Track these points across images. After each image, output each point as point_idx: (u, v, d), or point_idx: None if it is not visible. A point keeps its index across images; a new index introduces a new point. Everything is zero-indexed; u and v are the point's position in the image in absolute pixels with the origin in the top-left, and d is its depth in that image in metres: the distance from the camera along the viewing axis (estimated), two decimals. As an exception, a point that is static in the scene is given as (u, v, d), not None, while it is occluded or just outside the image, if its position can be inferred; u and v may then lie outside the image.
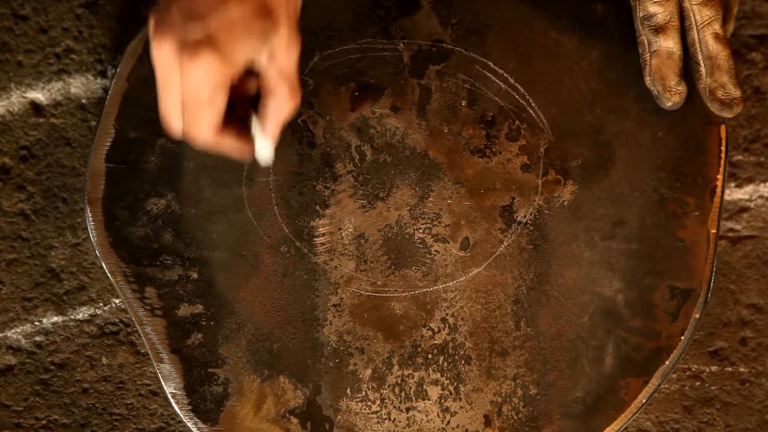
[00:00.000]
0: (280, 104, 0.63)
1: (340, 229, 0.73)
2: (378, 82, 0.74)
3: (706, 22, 0.69)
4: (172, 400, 0.72)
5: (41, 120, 0.78)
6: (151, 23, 0.60)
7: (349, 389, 0.72)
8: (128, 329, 0.77)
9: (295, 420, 0.72)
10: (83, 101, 0.78)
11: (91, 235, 0.73)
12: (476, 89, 0.73)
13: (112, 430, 0.77)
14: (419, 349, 0.72)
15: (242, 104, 0.64)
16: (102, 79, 0.78)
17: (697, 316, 0.71)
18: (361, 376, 0.72)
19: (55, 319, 0.77)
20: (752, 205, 0.78)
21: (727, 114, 0.70)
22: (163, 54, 0.59)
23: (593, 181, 0.73)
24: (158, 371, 0.72)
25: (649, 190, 0.72)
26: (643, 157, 0.73)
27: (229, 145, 0.64)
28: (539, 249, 0.73)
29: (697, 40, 0.70)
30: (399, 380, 0.72)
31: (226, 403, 0.72)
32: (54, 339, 0.77)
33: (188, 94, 0.60)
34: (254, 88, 0.65)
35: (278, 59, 0.61)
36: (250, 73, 0.63)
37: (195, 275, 0.73)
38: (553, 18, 0.74)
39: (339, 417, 0.72)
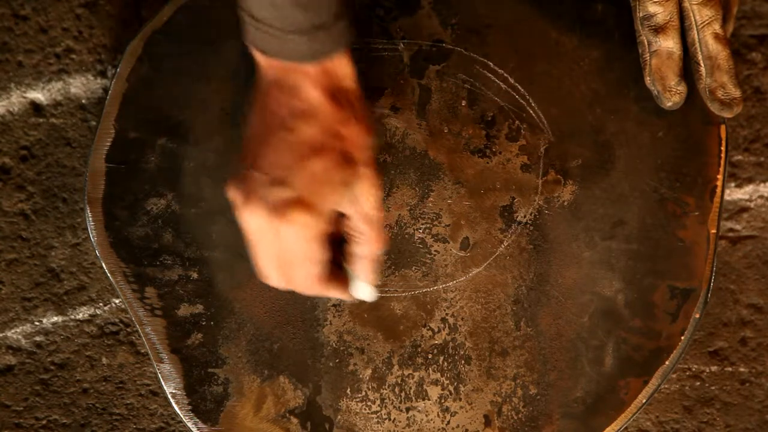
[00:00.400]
0: (368, 247, 0.65)
1: (340, 229, 0.73)
2: (378, 82, 0.74)
3: (706, 22, 0.69)
4: (172, 400, 0.72)
5: (41, 120, 0.78)
6: (232, 191, 0.61)
7: (349, 389, 0.72)
8: (128, 329, 0.77)
9: (295, 420, 0.72)
10: (83, 101, 0.78)
11: (91, 235, 0.73)
12: (476, 89, 0.73)
13: (112, 430, 0.77)
14: (419, 349, 0.72)
15: (333, 247, 0.65)
16: (102, 79, 0.78)
17: (697, 316, 0.71)
18: (361, 376, 0.72)
19: (55, 319, 0.77)
20: (752, 205, 0.78)
21: (727, 114, 0.70)
22: (254, 219, 0.61)
23: (593, 181, 0.73)
24: (158, 371, 0.72)
25: (649, 190, 0.72)
26: (643, 157, 0.73)
27: (333, 291, 0.66)
28: (539, 249, 0.73)
29: (697, 40, 0.70)
30: (399, 380, 0.72)
31: (226, 403, 0.72)
32: (54, 339, 0.77)
33: (287, 253, 0.62)
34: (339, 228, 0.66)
35: (361, 203, 0.63)
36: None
37: (195, 275, 0.73)
38: (553, 18, 0.74)
39: (339, 417, 0.72)
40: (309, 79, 0.60)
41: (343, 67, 0.61)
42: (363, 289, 0.66)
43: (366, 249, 0.65)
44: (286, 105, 0.60)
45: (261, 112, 0.62)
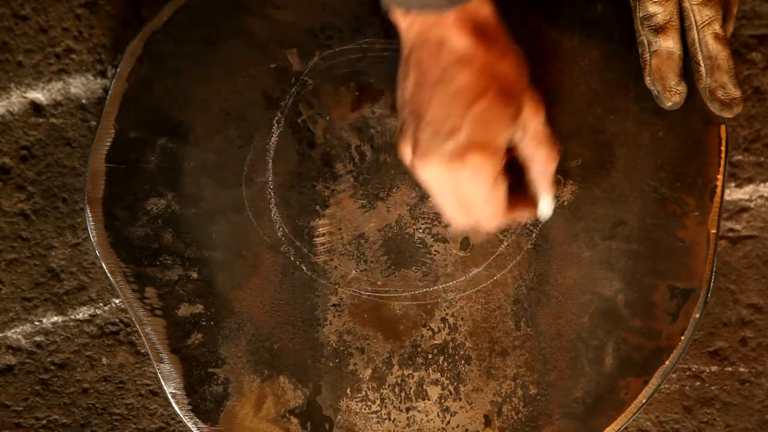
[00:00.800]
0: (546, 165, 0.66)
1: (340, 229, 0.73)
2: (378, 82, 0.74)
3: (706, 22, 0.69)
4: (172, 400, 0.72)
5: (41, 120, 0.78)
6: (406, 153, 0.64)
7: (349, 389, 0.72)
8: (128, 329, 0.77)
9: (295, 420, 0.72)
10: (83, 101, 0.78)
11: (91, 235, 0.73)
12: (476, 89, 0.73)
13: (112, 430, 0.77)
14: (419, 349, 0.72)
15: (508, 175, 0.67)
16: (102, 79, 0.78)
17: (697, 316, 0.71)
18: (361, 376, 0.72)
19: (55, 319, 0.77)
20: (752, 205, 0.78)
21: (727, 114, 0.70)
22: (434, 173, 0.63)
23: (593, 181, 0.73)
24: (158, 371, 0.72)
25: (649, 190, 0.72)
26: (643, 157, 0.73)
27: (518, 216, 0.68)
28: (539, 249, 0.73)
29: (697, 40, 0.70)
30: (399, 380, 0.72)
31: (226, 403, 0.72)
32: (54, 339, 0.77)
33: (471, 196, 0.63)
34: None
35: (531, 129, 0.65)
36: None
37: (195, 275, 0.73)
38: (553, 18, 0.74)
39: (339, 417, 0.72)
40: (454, 26, 0.61)
41: (481, 6, 0.62)
42: (547, 205, 0.68)
43: (544, 168, 0.66)
44: (438, 59, 0.62)
45: (415, 73, 0.63)
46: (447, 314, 0.72)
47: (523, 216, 0.69)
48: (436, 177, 0.63)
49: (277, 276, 0.73)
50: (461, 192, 0.63)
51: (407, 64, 0.63)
